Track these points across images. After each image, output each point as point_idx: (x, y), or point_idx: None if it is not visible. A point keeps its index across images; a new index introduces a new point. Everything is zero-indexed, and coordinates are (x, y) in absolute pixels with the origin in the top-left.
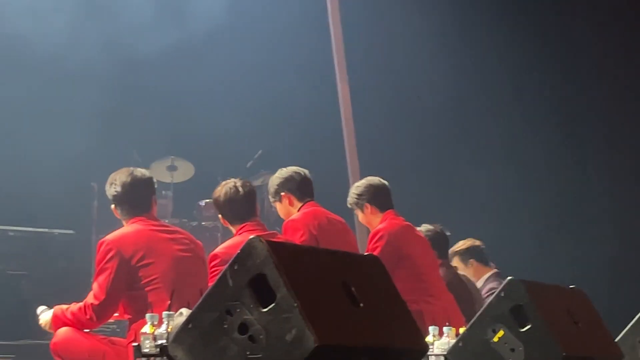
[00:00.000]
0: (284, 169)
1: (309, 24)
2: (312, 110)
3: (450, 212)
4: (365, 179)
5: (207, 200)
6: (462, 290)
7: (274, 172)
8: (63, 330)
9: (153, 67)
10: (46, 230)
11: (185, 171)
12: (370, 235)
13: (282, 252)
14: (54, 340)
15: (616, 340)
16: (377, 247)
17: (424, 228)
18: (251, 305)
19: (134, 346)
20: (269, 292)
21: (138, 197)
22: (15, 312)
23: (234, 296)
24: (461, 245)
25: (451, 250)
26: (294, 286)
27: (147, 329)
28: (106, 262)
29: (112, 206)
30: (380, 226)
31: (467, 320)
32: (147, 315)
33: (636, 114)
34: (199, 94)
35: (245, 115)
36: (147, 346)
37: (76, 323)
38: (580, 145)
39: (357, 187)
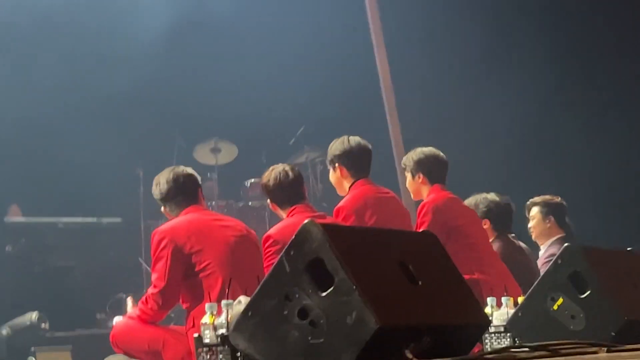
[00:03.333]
0: (347, 139)
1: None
2: (353, 84)
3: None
4: (429, 148)
5: (253, 180)
6: (524, 261)
7: (317, 148)
8: (122, 322)
9: (194, 50)
10: (94, 219)
11: (229, 152)
12: (418, 210)
13: (338, 235)
14: (113, 331)
15: None
16: (424, 222)
17: (490, 197)
18: (310, 290)
19: (195, 337)
20: (327, 275)
21: (185, 190)
22: (69, 303)
23: (292, 282)
24: (548, 198)
25: (534, 199)
26: (351, 268)
27: (206, 319)
28: (161, 251)
29: (162, 208)
30: (426, 200)
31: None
32: (206, 305)
33: None
34: (239, 74)
35: (285, 93)
36: (208, 336)
37: (144, 318)
38: None
39: (417, 152)
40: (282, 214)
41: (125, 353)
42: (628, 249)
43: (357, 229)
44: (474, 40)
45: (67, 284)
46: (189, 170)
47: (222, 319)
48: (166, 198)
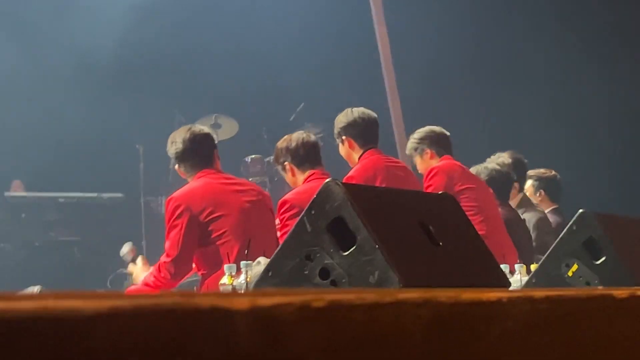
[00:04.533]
0: (350, 111)
1: None
2: (352, 59)
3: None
4: (428, 127)
5: (253, 156)
6: (522, 230)
7: (318, 124)
8: (132, 290)
9: (193, 26)
10: (95, 194)
11: (229, 128)
12: (425, 173)
13: (360, 194)
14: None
15: None
16: (431, 184)
17: (490, 166)
18: (331, 250)
19: None
20: (348, 235)
21: (201, 151)
22: (70, 278)
23: (313, 241)
24: (542, 172)
25: (528, 172)
26: (373, 228)
27: (225, 279)
28: (176, 219)
29: (176, 166)
30: (435, 164)
31: (523, 260)
32: (225, 266)
33: None
34: (238, 50)
35: (285, 69)
36: None
37: (157, 285)
38: None
39: (418, 132)
40: (300, 177)
41: None
42: None
43: (378, 189)
44: (477, 18)
45: (68, 259)
46: (206, 130)
47: (241, 279)
48: (182, 157)
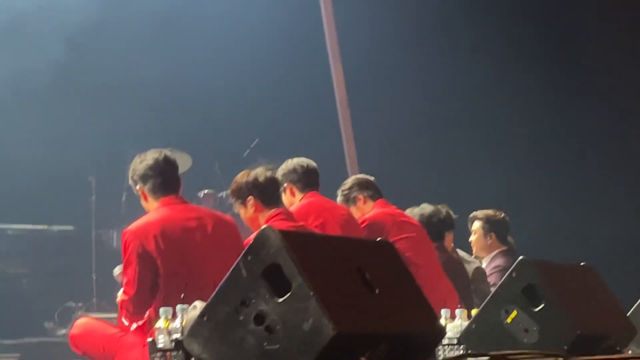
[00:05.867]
0: (290, 160)
1: (301, 10)
2: (307, 96)
3: (451, 196)
4: (358, 175)
5: (206, 191)
6: (459, 272)
7: (271, 160)
8: (81, 322)
9: (143, 60)
10: (45, 227)
11: (182, 162)
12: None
13: (296, 241)
14: (72, 330)
15: (630, 312)
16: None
17: (426, 208)
18: (266, 296)
19: (149, 342)
20: (284, 281)
21: (168, 174)
22: (17, 311)
23: (248, 287)
24: (491, 214)
25: (477, 213)
26: (309, 275)
27: (161, 323)
28: (130, 255)
29: (138, 186)
30: (366, 216)
31: (463, 302)
32: (161, 310)
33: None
34: (192, 85)
35: (240, 105)
36: (162, 341)
37: (123, 319)
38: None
39: (344, 184)
40: (263, 215)
41: (84, 354)
42: (581, 263)
43: (315, 235)
44: (433, 33)
45: (16, 291)
46: (174, 156)
47: (176, 323)
48: (148, 176)
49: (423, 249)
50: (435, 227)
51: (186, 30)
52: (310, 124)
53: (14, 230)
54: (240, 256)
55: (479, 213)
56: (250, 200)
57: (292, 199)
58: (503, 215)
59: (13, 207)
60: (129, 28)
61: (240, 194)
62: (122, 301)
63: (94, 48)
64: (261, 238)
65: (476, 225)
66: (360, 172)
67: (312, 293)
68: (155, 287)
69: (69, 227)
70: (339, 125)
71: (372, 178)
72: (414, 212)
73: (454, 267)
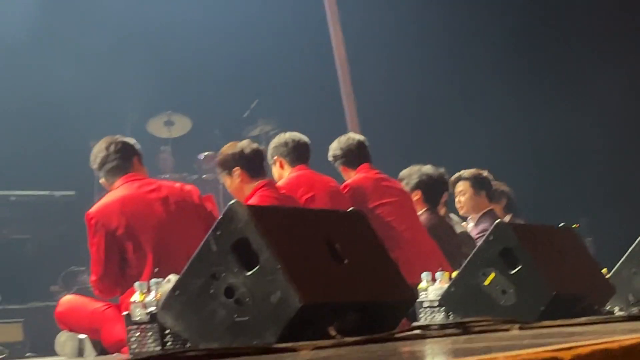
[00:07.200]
0: (282, 134)
1: None
2: (306, 57)
3: (447, 163)
4: (337, 139)
5: (206, 153)
6: (449, 235)
7: (271, 121)
8: (66, 299)
9: (142, 22)
10: (47, 192)
11: (182, 125)
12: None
13: (264, 215)
14: (57, 309)
15: (612, 272)
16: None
17: (424, 169)
18: (236, 270)
19: (124, 315)
20: (252, 255)
21: (118, 158)
22: (21, 276)
23: (218, 261)
24: (476, 172)
25: (463, 174)
26: (276, 248)
27: (136, 297)
28: (93, 237)
29: (101, 179)
30: (348, 181)
31: (453, 266)
32: (136, 284)
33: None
34: (192, 46)
35: (239, 65)
36: (138, 314)
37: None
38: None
39: (330, 149)
40: (249, 186)
41: (70, 329)
42: (560, 224)
43: (284, 209)
44: (431, 11)
45: (20, 257)
46: (125, 139)
47: (151, 297)
48: (100, 166)
49: (405, 212)
50: (433, 189)
51: None
52: (309, 84)
53: (17, 197)
54: (210, 231)
55: (465, 173)
56: (237, 171)
57: (282, 172)
58: (487, 172)
59: (15, 174)
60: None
61: (227, 164)
62: (92, 282)
63: (94, 10)
64: (229, 213)
65: (464, 185)
66: (361, 132)
67: (279, 266)
68: (125, 264)
69: (71, 192)
70: (338, 86)
71: (358, 139)
72: (412, 171)
73: (445, 230)
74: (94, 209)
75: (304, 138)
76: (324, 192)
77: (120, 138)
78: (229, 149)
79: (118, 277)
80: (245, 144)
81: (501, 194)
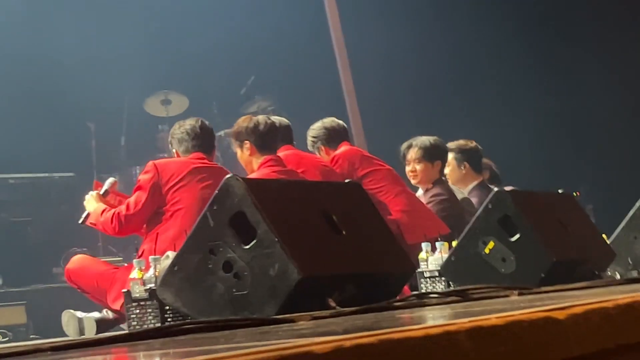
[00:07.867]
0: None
1: None
2: (303, 33)
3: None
4: (321, 121)
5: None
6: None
7: (268, 97)
8: (77, 258)
9: (141, 2)
10: (46, 174)
11: (179, 104)
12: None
13: (260, 189)
14: (68, 266)
15: (612, 237)
16: (335, 169)
17: (433, 139)
18: (233, 244)
19: (124, 292)
20: (249, 229)
21: (199, 139)
22: (22, 259)
23: (216, 236)
24: (462, 144)
25: (448, 145)
26: (273, 221)
27: (135, 274)
28: (144, 181)
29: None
30: (335, 153)
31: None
32: (135, 261)
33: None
34: (187, 24)
35: (235, 42)
36: (137, 291)
37: (103, 227)
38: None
39: (311, 129)
40: (257, 160)
41: (78, 288)
42: (559, 190)
43: (281, 182)
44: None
45: (21, 240)
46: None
47: (150, 273)
48: (181, 139)
49: (394, 178)
50: (440, 157)
51: None
52: (306, 60)
53: (16, 179)
54: (207, 206)
55: (451, 144)
56: (247, 144)
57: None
58: (474, 144)
59: (13, 156)
60: None
61: (239, 136)
62: (119, 213)
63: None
64: (225, 187)
65: (449, 156)
66: (358, 105)
67: (276, 239)
68: (155, 217)
69: (70, 174)
70: (335, 61)
71: (340, 123)
72: (421, 140)
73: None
74: (158, 160)
75: (285, 120)
76: (314, 168)
77: (209, 123)
78: (244, 121)
79: (141, 224)
80: (261, 119)
81: (484, 166)
